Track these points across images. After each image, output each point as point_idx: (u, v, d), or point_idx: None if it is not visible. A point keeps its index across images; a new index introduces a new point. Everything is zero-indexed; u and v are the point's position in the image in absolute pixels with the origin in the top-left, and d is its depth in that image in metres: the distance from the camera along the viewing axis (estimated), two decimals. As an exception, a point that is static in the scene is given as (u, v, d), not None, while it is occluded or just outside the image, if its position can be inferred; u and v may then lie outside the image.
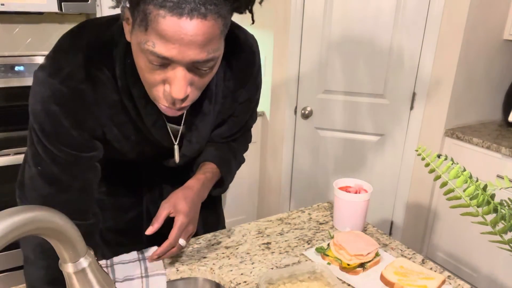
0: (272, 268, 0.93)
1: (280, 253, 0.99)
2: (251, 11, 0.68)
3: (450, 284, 0.90)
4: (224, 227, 1.23)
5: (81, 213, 0.82)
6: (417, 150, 0.74)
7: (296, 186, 2.45)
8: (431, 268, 0.95)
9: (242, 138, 1.07)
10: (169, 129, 0.86)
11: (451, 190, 0.71)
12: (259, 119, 2.38)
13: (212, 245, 1.01)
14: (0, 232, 0.38)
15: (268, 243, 1.03)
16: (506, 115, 2.21)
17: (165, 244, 0.82)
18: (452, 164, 0.70)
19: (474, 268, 2.09)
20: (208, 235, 1.05)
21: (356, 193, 1.07)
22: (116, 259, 0.92)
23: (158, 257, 0.84)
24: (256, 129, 2.38)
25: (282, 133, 2.35)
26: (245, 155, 1.10)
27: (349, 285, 0.89)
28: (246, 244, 1.02)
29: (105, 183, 1.01)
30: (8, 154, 1.71)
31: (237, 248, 1.00)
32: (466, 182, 0.68)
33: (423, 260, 0.98)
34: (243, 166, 1.12)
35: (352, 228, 1.06)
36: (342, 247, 0.93)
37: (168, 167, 1.00)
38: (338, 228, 1.09)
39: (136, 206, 1.07)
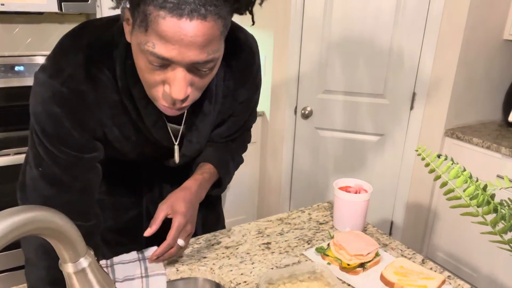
0: (272, 268, 0.93)
1: (280, 253, 0.99)
2: (251, 12, 0.68)
3: (450, 284, 0.90)
4: (224, 227, 1.23)
5: (82, 214, 0.82)
6: (417, 150, 0.74)
7: (296, 186, 2.45)
8: (431, 268, 0.95)
9: (241, 139, 1.07)
10: (169, 129, 0.86)
11: (451, 190, 0.71)
12: (259, 119, 2.38)
13: (212, 245, 1.01)
14: (0, 232, 0.38)
15: (268, 243, 1.03)
16: (506, 115, 2.21)
17: (164, 245, 0.82)
18: (452, 164, 0.70)
19: (474, 268, 2.09)
20: (208, 235, 1.05)
21: (356, 193, 1.07)
22: (116, 259, 0.92)
23: (157, 258, 0.84)
24: (256, 129, 2.38)
25: (282, 133, 2.35)
26: (245, 155, 1.10)
27: (349, 285, 0.89)
28: (246, 244, 1.02)
29: (105, 183, 1.01)
30: (8, 154, 1.71)
31: (237, 248, 1.00)
32: (466, 182, 0.68)
33: (423, 260, 0.98)
34: (243, 166, 1.12)
35: (352, 228, 1.06)
36: (342, 247, 0.93)
37: (168, 167, 1.00)
38: (338, 228, 1.09)
39: (136, 206, 1.07)
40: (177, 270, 0.91)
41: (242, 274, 0.91)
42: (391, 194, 2.32)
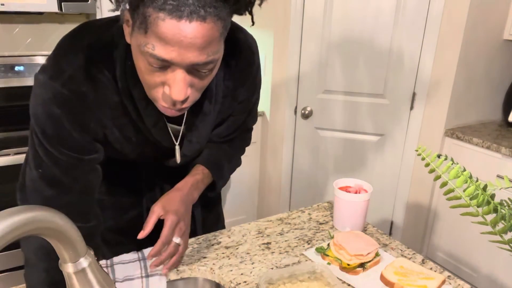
0: (272, 268, 0.93)
1: (280, 253, 0.99)
2: (251, 13, 0.68)
3: (450, 284, 0.90)
4: (224, 227, 1.23)
5: (82, 215, 0.82)
6: (417, 150, 0.74)
7: (296, 186, 2.44)
8: (431, 268, 0.95)
9: (241, 141, 1.07)
10: (169, 129, 0.86)
11: (451, 190, 0.71)
12: (259, 119, 2.38)
13: (212, 245, 1.01)
14: (0, 232, 0.38)
15: (268, 243, 1.03)
16: (506, 115, 2.21)
17: (158, 243, 0.81)
18: (452, 164, 0.70)
19: (474, 268, 2.09)
20: (208, 235, 1.05)
21: (356, 193, 1.07)
22: (116, 259, 0.92)
23: (160, 260, 0.84)
24: (256, 129, 2.37)
25: (282, 133, 2.35)
26: (245, 155, 1.10)
27: (349, 285, 0.89)
28: (246, 244, 1.02)
29: (105, 183, 1.01)
30: (8, 154, 1.71)
31: (237, 248, 1.00)
32: (466, 182, 0.68)
33: (423, 260, 0.98)
34: (243, 166, 1.12)
35: (352, 228, 1.06)
36: (342, 247, 0.93)
37: (168, 167, 1.00)
38: (338, 228, 1.09)
39: (136, 206, 1.07)
40: (177, 270, 0.91)
41: (242, 274, 0.91)
42: (391, 194, 2.32)
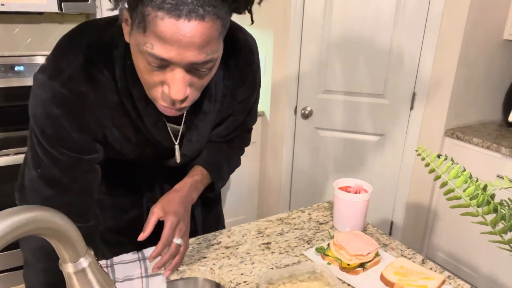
0: (272, 268, 0.93)
1: (280, 253, 0.99)
2: (250, 12, 0.68)
3: (450, 284, 0.90)
4: (224, 227, 1.23)
5: (81, 215, 0.82)
6: (417, 150, 0.74)
7: (296, 186, 2.44)
8: (431, 268, 0.95)
9: (240, 141, 1.07)
10: (169, 129, 0.86)
11: (451, 190, 0.71)
12: (259, 119, 2.38)
13: (212, 245, 1.01)
14: (0, 232, 0.38)
15: (268, 243, 1.03)
16: (506, 115, 2.21)
17: (159, 245, 0.82)
18: (452, 164, 0.70)
19: (474, 268, 2.09)
20: (208, 235, 1.05)
21: (356, 193, 1.07)
22: (116, 259, 0.92)
23: (162, 261, 0.84)
24: (256, 129, 2.38)
25: (282, 133, 2.35)
26: (245, 155, 1.10)
27: (349, 285, 0.89)
28: (246, 244, 1.02)
29: (105, 183, 1.01)
30: (8, 154, 1.71)
31: (237, 248, 1.00)
32: (466, 182, 0.68)
33: (423, 260, 0.98)
34: (243, 166, 1.12)
35: (352, 228, 1.06)
36: (342, 247, 0.93)
37: (168, 167, 1.00)
38: (338, 228, 1.09)
39: (136, 206, 1.07)
40: (177, 270, 0.91)
41: (242, 274, 0.91)
42: (391, 194, 2.32)
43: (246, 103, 0.97)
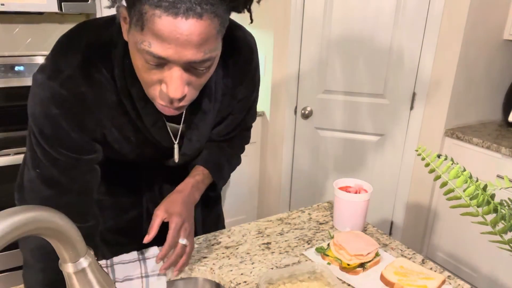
0: (272, 268, 0.93)
1: (280, 253, 0.99)
2: (249, 10, 0.68)
3: (450, 284, 0.90)
4: (224, 227, 1.23)
5: (80, 215, 0.81)
6: (417, 150, 0.74)
7: (296, 186, 2.45)
8: (431, 268, 0.95)
9: (240, 139, 1.07)
10: (168, 128, 0.85)
11: (451, 190, 0.71)
12: (259, 119, 2.38)
13: (212, 245, 1.01)
14: (0, 232, 0.38)
15: (268, 243, 1.03)
16: (506, 115, 2.21)
17: (165, 246, 0.82)
18: (452, 164, 0.70)
19: (474, 268, 2.09)
20: (208, 235, 1.05)
21: (356, 193, 1.07)
22: (116, 259, 0.92)
23: (162, 260, 0.84)
24: (256, 129, 2.38)
25: (282, 133, 2.35)
26: (245, 155, 1.10)
27: (349, 285, 0.89)
28: (246, 244, 1.02)
29: (105, 183, 1.01)
30: (8, 154, 1.71)
31: (237, 248, 1.00)
32: (466, 182, 0.68)
33: (423, 260, 0.98)
34: (243, 166, 1.12)
35: (352, 228, 1.06)
36: (342, 247, 0.93)
37: (168, 167, 1.00)
38: (338, 228, 1.09)
39: (136, 206, 1.07)
40: (178, 273, 0.91)
41: (242, 274, 0.91)
42: (391, 194, 2.32)
43: (245, 101, 0.97)
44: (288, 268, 0.88)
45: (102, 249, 1.02)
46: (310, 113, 2.27)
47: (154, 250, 0.94)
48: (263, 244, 1.02)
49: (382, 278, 0.89)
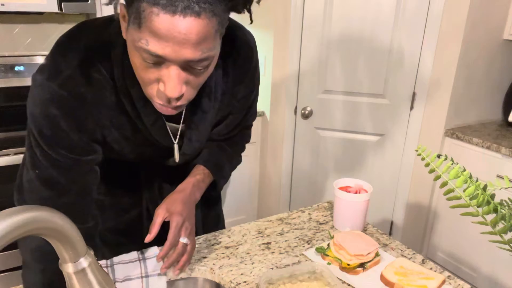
0: (272, 268, 0.93)
1: (280, 253, 0.99)
2: (249, 11, 0.68)
3: (450, 284, 0.90)
4: (224, 227, 1.23)
5: (79, 216, 0.81)
6: (417, 150, 0.74)
7: (296, 186, 2.45)
8: (431, 268, 0.95)
9: (240, 138, 1.07)
10: (168, 128, 0.85)
11: (451, 190, 0.71)
12: (259, 119, 2.38)
13: (212, 245, 1.01)
14: (0, 232, 0.38)
15: (268, 243, 1.03)
16: (506, 115, 2.21)
17: (166, 245, 0.82)
18: (452, 164, 0.70)
19: (474, 268, 2.09)
20: (208, 235, 1.05)
21: (356, 193, 1.07)
22: (116, 259, 0.92)
23: (163, 259, 0.84)
24: (256, 129, 2.38)
25: (282, 133, 2.35)
26: (245, 155, 1.10)
27: (349, 285, 0.89)
28: (246, 244, 1.02)
29: (105, 183, 1.01)
30: (8, 154, 1.71)
31: (237, 248, 1.00)
32: (466, 182, 0.68)
33: (423, 260, 0.98)
34: (243, 166, 1.12)
35: (352, 228, 1.06)
36: (342, 247, 0.93)
37: (168, 167, 0.99)
38: (338, 228, 1.09)
39: (136, 206, 1.07)
40: (179, 272, 0.91)
41: (242, 274, 0.91)
42: (391, 194, 2.32)
43: (245, 101, 0.97)
44: (288, 268, 0.88)
45: (102, 249, 1.02)
46: (310, 113, 2.27)
47: (154, 250, 0.94)
48: (263, 244, 1.02)
49: (382, 278, 0.89)
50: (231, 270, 0.92)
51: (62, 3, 1.77)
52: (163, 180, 1.06)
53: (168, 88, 0.64)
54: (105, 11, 1.89)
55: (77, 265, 0.48)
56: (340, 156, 2.31)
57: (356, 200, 1.04)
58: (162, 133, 0.85)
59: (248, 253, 0.98)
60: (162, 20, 0.57)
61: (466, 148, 2.06)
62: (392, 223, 2.38)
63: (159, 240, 0.84)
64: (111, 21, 0.76)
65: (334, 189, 1.08)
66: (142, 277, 0.87)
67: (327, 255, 0.95)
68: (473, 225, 2.02)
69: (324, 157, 2.34)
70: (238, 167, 1.09)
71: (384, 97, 2.16)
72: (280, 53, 2.21)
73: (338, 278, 0.90)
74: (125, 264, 0.90)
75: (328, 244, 0.99)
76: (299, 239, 1.05)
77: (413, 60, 2.06)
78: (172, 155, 0.90)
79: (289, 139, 2.35)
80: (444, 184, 0.71)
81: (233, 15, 0.70)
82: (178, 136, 0.88)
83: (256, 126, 2.39)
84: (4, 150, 1.70)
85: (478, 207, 0.67)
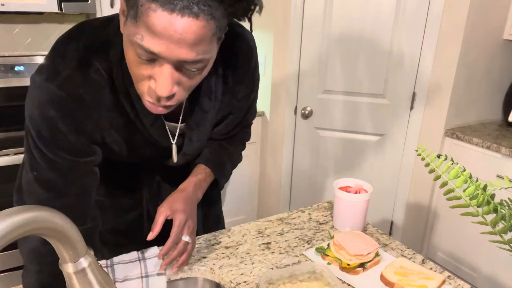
0: (272, 268, 0.93)
1: (280, 253, 0.99)
2: (250, 20, 0.68)
3: (450, 284, 0.90)
4: (224, 227, 1.23)
5: (78, 218, 0.81)
6: (417, 150, 0.74)
7: (296, 186, 2.44)
8: (431, 268, 0.95)
9: (241, 137, 1.07)
10: (167, 129, 0.85)
11: (451, 190, 0.71)
12: (259, 119, 2.38)
13: (212, 245, 1.01)
14: (0, 232, 0.38)
15: (268, 243, 1.03)
16: (506, 115, 2.21)
17: (168, 242, 0.82)
18: (452, 164, 0.70)
19: (474, 268, 2.09)
20: (208, 235, 1.05)
21: (356, 193, 1.07)
22: (116, 259, 0.92)
23: (163, 256, 0.84)
24: (256, 129, 2.38)
25: (282, 133, 2.35)
26: (245, 155, 1.11)
27: (349, 285, 0.89)
28: (246, 244, 1.02)
29: (105, 184, 1.00)
30: (8, 154, 1.71)
31: (237, 248, 1.00)
32: (466, 182, 0.68)
33: (423, 260, 0.98)
34: (243, 166, 1.12)
35: (352, 228, 1.06)
36: (342, 247, 0.93)
37: (168, 167, 0.99)
38: (338, 228, 1.09)
39: (136, 207, 1.07)
40: (177, 270, 0.91)
41: (242, 274, 0.91)
42: (391, 194, 2.32)
43: (245, 100, 0.97)
44: (288, 268, 0.88)
45: (102, 250, 1.02)
46: (310, 113, 2.27)
47: (154, 250, 0.94)
48: (263, 244, 1.02)
49: (382, 278, 0.89)
50: (231, 270, 0.92)
51: (62, 3, 1.77)
52: (163, 180, 1.06)
53: (159, 86, 0.63)
54: (105, 11, 1.89)
55: (77, 265, 0.48)
56: (340, 156, 2.31)
57: (356, 200, 1.04)
58: (162, 133, 0.85)
59: (248, 253, 0.98)
60: (159, 17, 0.57)
61: (466, 148, 2.06)
62: (392, 223, 2.38)
63: (160, 239, 0.84)
64: (110, 21, 0.75)
65: (334, 189, 1.08)
66: (142, 277, 0.87)
67: (327, 255, 0.95)
68: (473, 225, 2.02)
69: (324, 157, 2.34)
70: (238, 166, 1.09)
71: (384, 97, 2.16)
72: (280, 53, 2.21)
73: (338, 278, 0.90)
74: (125, 264, 0.90)
75: (328, 244, 0.99)
76: (299, 239, 1.05)
77: (413, 60, 2.06)
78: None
79: (289, 139, 2.35)
80: (444, 184, 0.71)
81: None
82: (176, 136, 0.88)
83: (256, 126, 2.39)
84: (4, 150, 1.70)
85: (478, 207, 0.67)
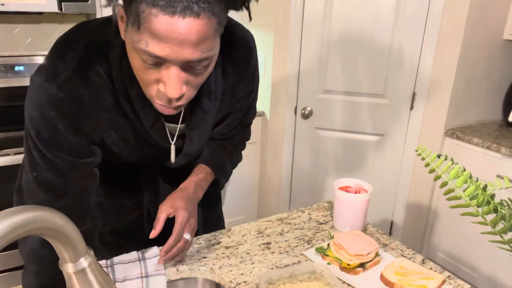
0: (272, 268, 0.93)
1: (280, 253, 0.99)
2: (248, 8, 0.68)
3: (450, 284, 0.90)
4: (224, 227, 1.23)
5: (78, 219, 0.81)
6: (417, 150, 0.74)
7: (296, 186, 2.45)
8: (431, 268, 0.95)
9: (240, 136, 1.07)
10: (167, 130, 0.85)
11: (451, 190, 0.71)
12: (259, 119, 2.38)
13: (212, 245, 1.01)
14: (0, 232, 0.38)
15: (268, 243, 1.03)
16: (506, 115, 2.21)
17: (171, 239, 0.82)
18: (452, 164, 0.70)
19: (474, 268, 2.09)
20: (208, 235, 1.05)
21: (356, 193, 1.07)
22: (116, 259, 0.92)
23: (166, 254, 0.84)
24: (256, 129, 2.38)
25: (282, 133, 2.35)
26: (245, 155, 1.11)
27: (349, 285, 0.89)
28: (246, 244, 1.02)
29: (105, 185, 1.00)
30: (8, 154, 1.71)
31: (237, 248, 1.00)
32: (466, 182, 0.68)
33: (423, 260, 0.98)
34: (243, 166, 1.13)
35: (352, 228, 1.06)
36: (342, 247, 0.93)
37: (168, 168, 0.99)
38: (338, 228, 1.09)
39: (136, 208, 1.07)
40: (177, 270, 0.91)
41: (242, 274, 0.91)
42: (391, 194, 2.32)
43: (245, 100, 0.97)
44: (288, 268, 0.88)
45: (102, 251, 1.02)
46: (310, 113, 2.27)
47: (154, 250, 0.94)
48: (263, 244, 1.02)
49: (382, 278, 0.89)
50: (231, 270, 0.92)
51: (62, 3, 1.77)
52: (163, 181, 1.06)
53: (168, 88, 0.64)
54: (105, 11, 1.89)
55: (77, 265, 0.48)
56: (340, 156, 2.31)
57: (356, 200, 1.04)
58: (161, 134, 0.85)
59: (248, 253, 0.98)
60: (161, 21, 0.57)
61: (466, 148, 2.06)
62: (392, 223, 2.38)
63: (160, 238, 0.84)
64: (110, 21, 0.75)
65: (334, 189, 1.08)
66: (142, 277, 0.87)
67: (327, 255, 0.95)
68: (473, 225, 2.02)
69: (324, 157, 2.34)
70: (238, 166, 1.10)
71: (384, 97, 2.16)
72: (280, 53, 2.21)
73: (338, 278, 0.90)
74: (125, 264, 0.90)
75: (328, 244, 0.99)
76: (299, 239, 1.05)
77: (413, 60, 2.06)
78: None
79: (289, 139, 2.35)
80: (444, 184, 0.71)
81: (233, 14, 0.70)
82: (175, 137, 0.88)
83: (256, 126, 2.39)
84: (4, 150, 1.70)
85: (478, 207, 0.67)
